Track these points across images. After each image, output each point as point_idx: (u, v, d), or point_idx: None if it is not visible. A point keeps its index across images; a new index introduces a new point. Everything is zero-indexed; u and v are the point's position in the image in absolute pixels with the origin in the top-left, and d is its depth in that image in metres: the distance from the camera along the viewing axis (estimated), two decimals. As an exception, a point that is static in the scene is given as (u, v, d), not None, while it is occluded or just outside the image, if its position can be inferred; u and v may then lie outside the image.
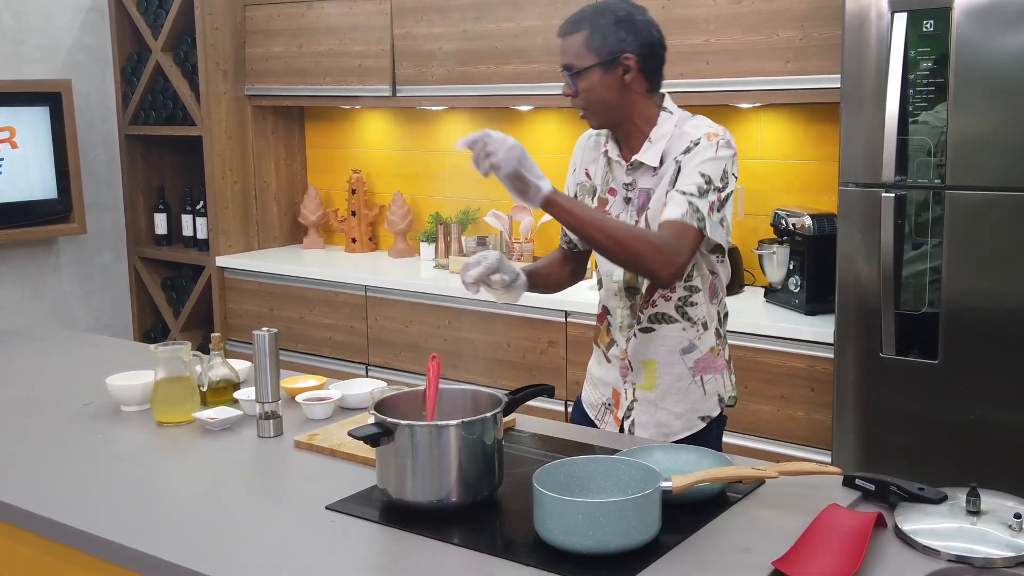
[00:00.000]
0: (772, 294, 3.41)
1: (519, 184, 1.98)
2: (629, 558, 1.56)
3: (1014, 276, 2.61)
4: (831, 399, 2.95)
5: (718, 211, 2.11)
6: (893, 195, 2.71)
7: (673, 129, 2.16)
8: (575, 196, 2.32)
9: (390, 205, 4.47)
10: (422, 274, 4.12)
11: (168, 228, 4.89)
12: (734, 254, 3.54)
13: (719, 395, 2.27)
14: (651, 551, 1.58)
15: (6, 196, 4.34)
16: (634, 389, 2.26)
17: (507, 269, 2.14)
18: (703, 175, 2.09)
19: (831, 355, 2.95)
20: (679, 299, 2.20)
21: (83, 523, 1.77)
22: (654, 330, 2.22)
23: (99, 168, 4.79)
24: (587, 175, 2.31)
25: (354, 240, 4.61)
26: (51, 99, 4.45)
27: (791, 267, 3.30)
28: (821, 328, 3.04)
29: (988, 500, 1.66)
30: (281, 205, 4.82)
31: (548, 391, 2.02)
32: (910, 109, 2.69)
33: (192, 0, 4.43)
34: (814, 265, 3.20)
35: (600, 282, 2.33)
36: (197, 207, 4.71)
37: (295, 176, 4.88)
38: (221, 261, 4.53)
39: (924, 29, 2.65)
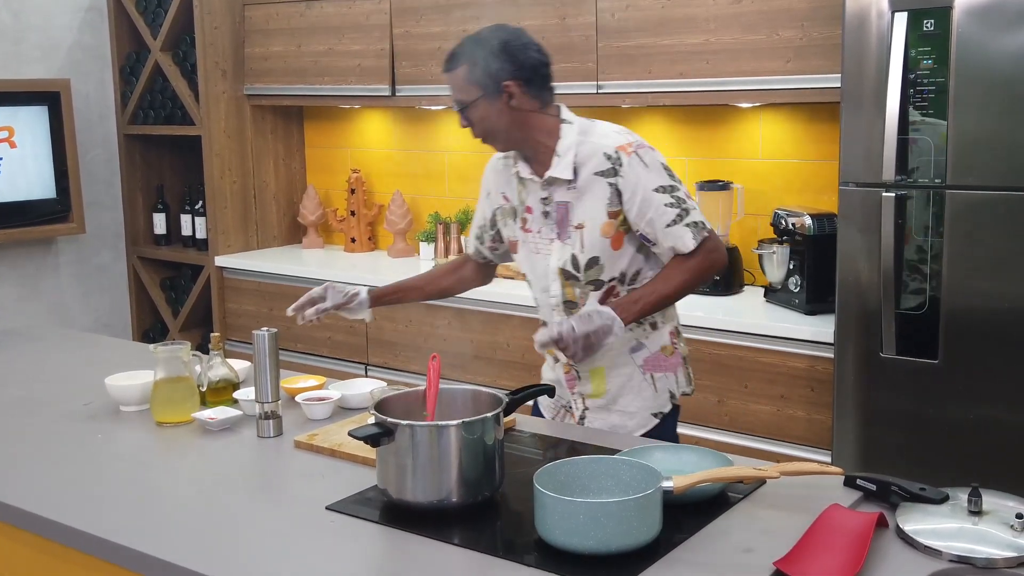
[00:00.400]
0: (772, 294, 3.41)
1: (601, 347, 2.14)
2: (630, 558, 1.55)
3: (1014, 276, 2.61)
4: (831, 399, 2.95)
5: (690, 199, 2.19)
6: (893, 195, 2.71)
7: (577, 138, 2.19)
8: (494, 221, 2.39)
9: (389, 205, 4.46)
10: (421, 274, 4.11)
11: (167, 228, 4.89)
12: (734, 253, 3.54)
13: (671, 391, 2.30)
14: (652, 551, 1.58)
15: (5, 196, 4.33)
16: (583, 399, 2.29)
17: (335, 296, 2.42)
18: (658, 190, 2.15)
19: (831, 355, 2.95)
20: None
21: (82, 523, 1.76)
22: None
23: (98, 168, 4.78)
24: (505, 198, 2.34)
25: (353, 240, 4.61)
26: (50, 99, 4.44)
27: (791, 267, 3.30)
28: (821, 328, 3.04)
29: (989, 500, 1.66)
30: (280, 205, 4.82)
31: (549, 391, 2.03)
32: (910, 109, 2.69)
33: (191, 0, 4.43)
34: (814, 265, 3.20)
35: (535, 298, 2.36)
36: (196, 207, 4.71)
37: (294, 176, 4.88)
38: (220, 261, 4.53)
39: (925, 29, 2.65)
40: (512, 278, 3.87)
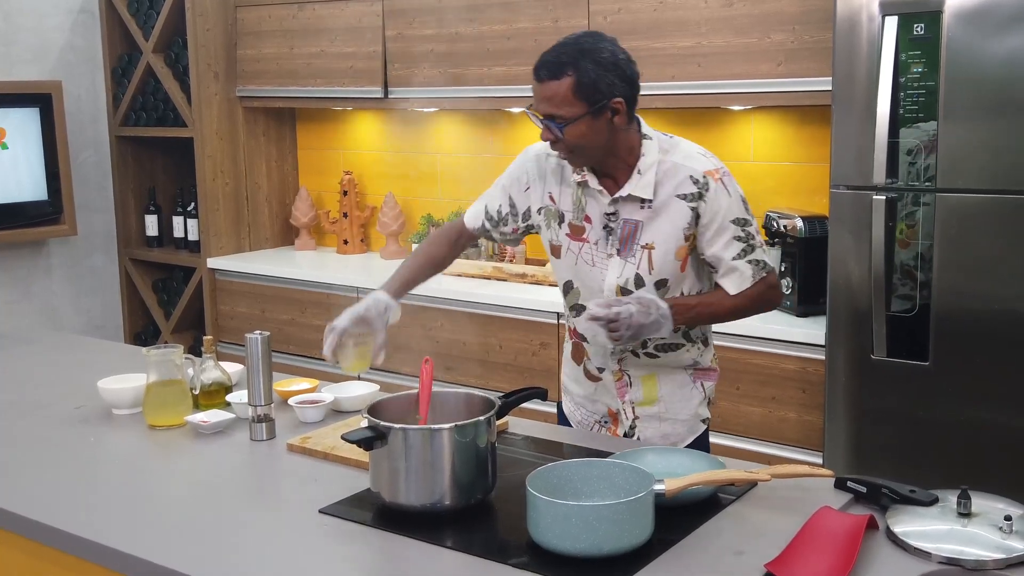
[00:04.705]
0: (763, 296, 3.42)
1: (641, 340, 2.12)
2: (622, 561, 1.56)
3: (1004, 278, 2.62)
4: (822, 400, 2.96)
5: (758, 235, 2.16)
6: (884, 197, 2.72)
7: (659, 156, 2.11)
8: (523, 213, 2.25)
9: (382, 207, 4.46)
10: (414, 276, 4.11)
11: (159, 230, 4.88)
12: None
13: (709, 399, 2.30)
14: (644, 554, 1.59)
15: (-4, 198, 4.33)
16: (633, 408, 2.24)
17: (376, 320, 2.27)
18: (735, 222, 2.11)
19: (822, 357, 2.96)
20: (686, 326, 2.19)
21: (74, 527, 1.76)
22: (659, 357, 2.20)
23: (90, 170, 4.77)
24: (551, 199, 2.21)
25: (346, 242, 4.61)
26: (41, 100, 4.43)
27: (782, 269, 3.30)
28: (812, 330, 3.05)
29: (979, 502, 1.67)
30: (272, 207, 4.82)
31: (541, 394, 2.03)
32: (901, 112, 2.70)
33: (183, 1, 4.42)
34: (805, 267, 3.21)
35: (574, 308, 2.23)
36: (188, 209, 4.70)
37: (286, 178, 4.88)
38: (212, 263, 4.53)
39: (915, 32, 2.66)
40: (504, 280, 3.88)
